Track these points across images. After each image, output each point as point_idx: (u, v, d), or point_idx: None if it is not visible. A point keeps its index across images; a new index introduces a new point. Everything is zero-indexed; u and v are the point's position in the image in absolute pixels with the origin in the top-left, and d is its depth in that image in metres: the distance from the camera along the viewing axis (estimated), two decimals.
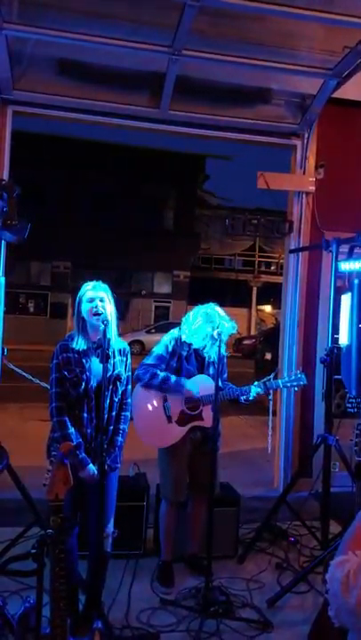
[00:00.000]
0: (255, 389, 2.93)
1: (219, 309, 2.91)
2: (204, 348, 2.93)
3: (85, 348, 2.45)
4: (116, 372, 2.50)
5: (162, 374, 2.89)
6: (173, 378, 2.89)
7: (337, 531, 3.29)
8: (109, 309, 2.45)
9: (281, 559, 3.33)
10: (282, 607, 2.79)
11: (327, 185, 4.27)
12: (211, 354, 2.94)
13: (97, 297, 2.44)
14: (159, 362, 2.94)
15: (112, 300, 2.50)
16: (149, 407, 2.93)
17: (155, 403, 2.93)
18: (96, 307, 2.41)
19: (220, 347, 2.75)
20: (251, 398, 2.94)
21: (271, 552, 3.42)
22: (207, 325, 2.84)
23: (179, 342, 2.97)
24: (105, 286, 2.51)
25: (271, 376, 4.11)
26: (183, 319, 3.00)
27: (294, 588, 2.88)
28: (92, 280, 2.55)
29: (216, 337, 2.76)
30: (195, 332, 2.88)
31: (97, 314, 2.40)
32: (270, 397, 4.42)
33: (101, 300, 2.44)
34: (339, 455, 3.22)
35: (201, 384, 2.94)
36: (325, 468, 3.21)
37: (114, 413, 2.52)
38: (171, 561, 3.06)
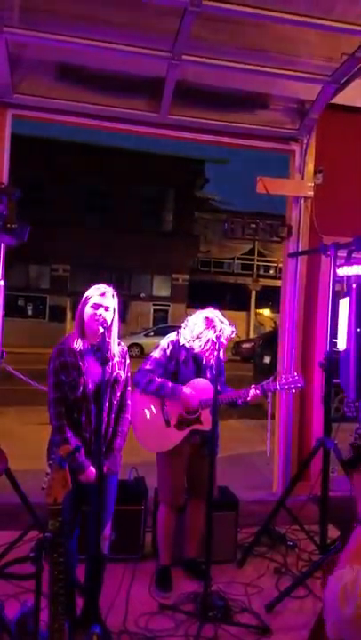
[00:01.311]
0: (253, 392, 2.93)
1: (218, 314, 2.92)
2: (203, 353, 2.94)
3: (83, 349, 2.45)
4: (114, 373, 2.49)
5: (158, 380, 2.89)
6: (170, 385, 2.89)
7: (335, 535, 3.28)
8: (112, 317, 2.45)
9: (280, 564, 3.32)
10: (280, 612, 2.79)
11: (326, 190, 4.29)
12: (211, 358, 2.94)
13: (103, 305, 2.42)
14: (157, 366, 2.94)
15: (116, 309, 2.48)
16: (148, 412, 2.93)
17: (153, 407, 2.94)
18: (100, 315, 2.40)
19: (218, 351, 2.75)
20: (248, 399, 2.94)
21: (270, 556, 3.41)
22: (207, 330, 2.84)
23: (176, 346, 2.98)
24: (115, 299, 2.48)
25: (270, 379, 4.12)
26: (183, 324, 3.00)
27: (293, 592, 2.88)
28: (91, 283, 2.53)
29: (215, 341, 2.77)
30: (195, 336, 2.88)
31: (103, 323, 2.37)
32: (269, 401, 4.43)
33: (106, 309, 2.43)
34: (337, 459, 3.22)
35: (199, 388, 2.94)
36: (324, 472, 3.21)
37: (113, 416, 2.52)
38: (169, 565, 3.05)
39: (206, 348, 2.86)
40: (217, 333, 2.77)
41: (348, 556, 1.30)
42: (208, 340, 2.83)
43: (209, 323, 2.85)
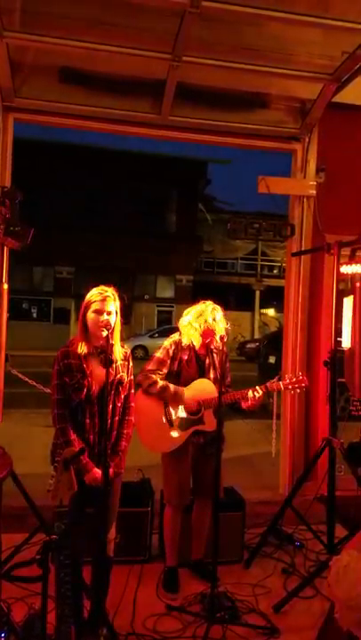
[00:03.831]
0: (253, 392, 2.91)
1: (215, 307, 2.97)
2: (203, 345, 2.95)
3: (87, 353, 2.45)
4: (117, 376, 2.50)
5: (160, 383, 2.90)
6: (172, 388, 2.90)
7: (343, 534, 3.27)
8: (114, 319, 2.44)
9: (287, 564, 3.31)
10: (288, 612, 2.78)
11: (328, 188, 4.28)
12: (210, 345, 2.99)
13: (105, 310, 2.41)
14: (160, 366, 2.95)
15: (118, 311, 2.48)
16: (150, 412, 2.93)
17: (156, 408, 2.94)
18: (103, 321, 2.39)
19: (223, 351, 2.75)
20: (251, 401, 2.92)
21: (277, 557, 3.41)
22: (197, 319, 2.92)
23: (180, 346, 2.99)
24: (117, 301, 2.47)
25: (274, 379, 4.11)
26: (181, 320, 3.03)
27: (301, 592, 2.87)
28: (95, 286, 2.53)
29: (209, 327, 2.84)
30: (187, 327, 2.95)
31: (107, 326, 2.37)
32: (272, 401, 4.42)
33: (109, 314, 2.42)
34: (344, 458, 3.21)
35: (201, 388, 2.94)
36: (330, 472, 3.20)
37: (117, 418, 2.52)
38: (176, 566, 3.05)
39: (201, 333, 2.91)
40: (209, 321, 2.87)
41: (350, 543, 1.34)
42: (198, 327, 2.91)
43: (198, 313, 2.93)
